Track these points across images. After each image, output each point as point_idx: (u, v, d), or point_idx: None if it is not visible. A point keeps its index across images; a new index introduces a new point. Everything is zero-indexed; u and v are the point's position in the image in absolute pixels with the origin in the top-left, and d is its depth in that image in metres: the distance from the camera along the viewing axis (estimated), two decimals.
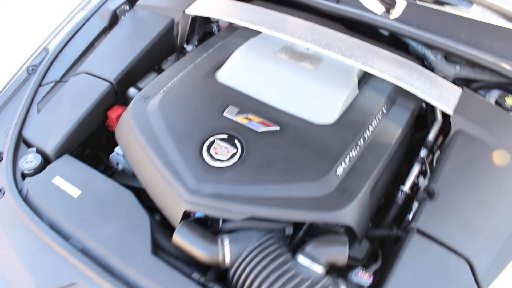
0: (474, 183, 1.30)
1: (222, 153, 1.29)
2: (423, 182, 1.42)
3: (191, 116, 1.40)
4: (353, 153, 1.32)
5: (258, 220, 1.20)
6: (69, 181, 1.36)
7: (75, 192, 1.33)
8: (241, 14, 1.63)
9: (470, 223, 1.23)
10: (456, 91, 1.45)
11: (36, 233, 1.27)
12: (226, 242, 1.18)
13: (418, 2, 1.70)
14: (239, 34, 1.74)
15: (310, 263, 1.14)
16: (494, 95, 1.59)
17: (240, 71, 1.53)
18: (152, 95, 1.47)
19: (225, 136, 1.33)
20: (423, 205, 1.26)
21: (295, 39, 1.52)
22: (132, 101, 1.46)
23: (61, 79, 1.63)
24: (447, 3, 1.74)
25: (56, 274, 1.22)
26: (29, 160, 1.42)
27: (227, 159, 1.28)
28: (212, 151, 1.30)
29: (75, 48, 1.73)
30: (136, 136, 1.37)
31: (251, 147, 1.31)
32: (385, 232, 1.33)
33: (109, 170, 1.59)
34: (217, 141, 1.32)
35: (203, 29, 1.90)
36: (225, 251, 1.17)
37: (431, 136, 1.50)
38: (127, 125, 1.42)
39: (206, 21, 1.92)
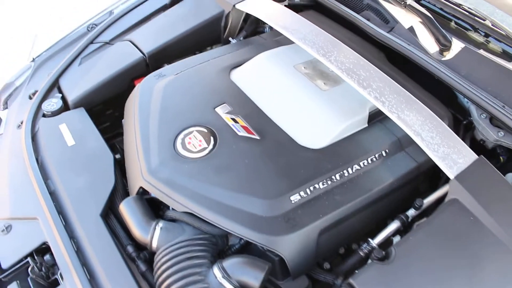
0: (443, 263, 1.12)
1: (194, 144, 1.31)
2: None
3: (186, 103, 1.44)
4: (320, 185, 1.23)
5: (198, 219, 1.20)
6: (70, 131, 1.50)
7: (70, 141, 1.46)
8: (280, 20, 1.60)
9: None
10: (469, 157, 1.25)
11: (26, 165, 1.43)
12: (158, 227, 1.20)
13: (480, 52, 1.49)
14: (279, 40, 1.72)
15: (221, 276, 1.10)
16: None
17: (252, 74, 1.52)
18: (167, 75, 1.54)
19: (205, 130, 1.34)
20: (372, 264, 1.13)
21: (319, 56, 1.45)
22: (147, 76, 1.55)
23: (110, 41, 1.79)
24: None
25: (26, 205, 1.37)
26: (51, 103, 1.59)
27: (196, 152, 1.29)
28: (186, 140, 1.32)
29: (133, 17, 1.88)
30: (134, 107, 1.45)
31: (223, 148, 1.30)
32: (329, 279, 1.23)
33: None
34: (195, 132, 1.34)
35: (253, 27, 1.91)
36: (155, 235, 1.19)
37: (430, 197, 1.32)
38: (134, 96, 1.51)
39: (259, 20, 1.92)
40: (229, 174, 1.24)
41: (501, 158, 1.48)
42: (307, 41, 1.50)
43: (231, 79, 1.53)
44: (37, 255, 1.26)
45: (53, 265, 1.26)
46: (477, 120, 1.47)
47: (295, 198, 1.20)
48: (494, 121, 1.45)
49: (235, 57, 1.63)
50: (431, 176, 1.47)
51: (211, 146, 1.30)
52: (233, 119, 1.37)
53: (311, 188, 1.22)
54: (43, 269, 1.25)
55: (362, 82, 1.38)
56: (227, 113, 1.39)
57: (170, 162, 1.27)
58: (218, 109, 1.40)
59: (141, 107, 1.44)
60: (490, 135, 1.44)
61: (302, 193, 1.21)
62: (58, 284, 1.21)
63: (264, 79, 1.50)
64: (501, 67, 1.44)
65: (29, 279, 1.22)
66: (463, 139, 1.51)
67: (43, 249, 1.28)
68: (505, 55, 1.52)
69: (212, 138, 1.32)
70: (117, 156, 1.51)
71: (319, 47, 1.48)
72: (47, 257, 1.26)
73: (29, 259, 1.25)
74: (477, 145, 1.52)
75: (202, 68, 1.57)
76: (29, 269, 1.22)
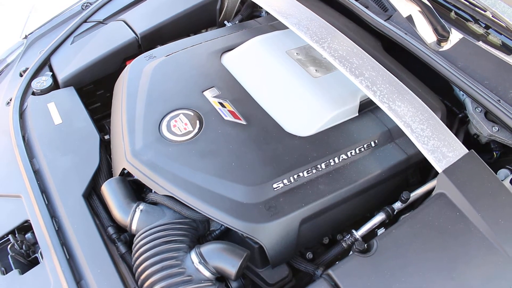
0: (425, 257, 1.09)
1: (180, 127, 1.29)
2: None
3: (175, 85, 1.41)
4: (304, 174, 1.21)
5: (178, 203, 1.18)
6: (58, 110, 1.48)
7: (57, 120, 1.45)
8: (276, 4, 1.56)
9: None
10: (459, 151, 1.22)
11: (12, 143, 1.42)
12: (139, 210, 1.19)
13: (479, 44, 1.45)
14: (274, 24, 1.68)
15: (198, 262, 1.09)
16: None
17: (243, 58, 1.49)
18: (158, 56, 1.51)
19: (191, 113, 1.32)
20: (353, 256, 1.11)
21: (312, 42, 1.42)
22: (138, 57, 1.52)
23: (104, 21, 1.77)
24: None
25: (10, 183, 1.36)
26: (41, 81, 1.58)
27: (180, 135, 1.27)
28: (171, 123, 1.30)
29: None
30: (123, 88, 1.43)
31: (208, 132, 1.28)
32: (310, 269, 1.21)
33: None
34: (181, 115, 1.32)
35: (249, 11, 1.88)
36: (134, 218, 1.18)
37: (418, 191, 1.30)
38: (123, 77, 1.49)
39: (256, 4, 1.88)
40: (213, 159, 1.22)
41: (494, 153, 1.45)
42: (301, 27, 1.46)
43: (222, 62, 1.50)
44: (18, 233, 1.26)
45: (34, 243, 1.25)
46: (472, 114, 1.44)
47: (277, 185, 1.17)
48: (489, 115, 1.41)
49: (228, 41, 1.60)
50: (423, 169, 1.44)
51: (196, 130, 1.28)
52: (221, 103, 1.35)
53: (295, 176, 1.20)
54: (23, 247, 1.24)
55: (355, 71, 1.34)
56: (215, 97, 1.36)
57: (154, 145, 1.25)
58: (206, 93, 1.38)
59: (129, 88, 1.42)
60: (484, 129, 1.40)
61: (285, 181, 1.18)
62: (38, 262, 1.21)
63: (255, 63, 1.47)
64: (499, 60, 1.40)
65: (9, 256, 1.22)
66: (457, 133, 1.50)
67: (25, 227, 1.27)
68: (504, 48, 1.47)
69: (198, 122, 1.30)
70: (106, 136, 1.49)
71: (313, 33, 1.44)
72: (28, 235, 1.25)
73: (10, 236, 1.24)
74: (473, 140, 1.49)
75: (193, 51, 1.54)
76: (9, 247, 1.22)
